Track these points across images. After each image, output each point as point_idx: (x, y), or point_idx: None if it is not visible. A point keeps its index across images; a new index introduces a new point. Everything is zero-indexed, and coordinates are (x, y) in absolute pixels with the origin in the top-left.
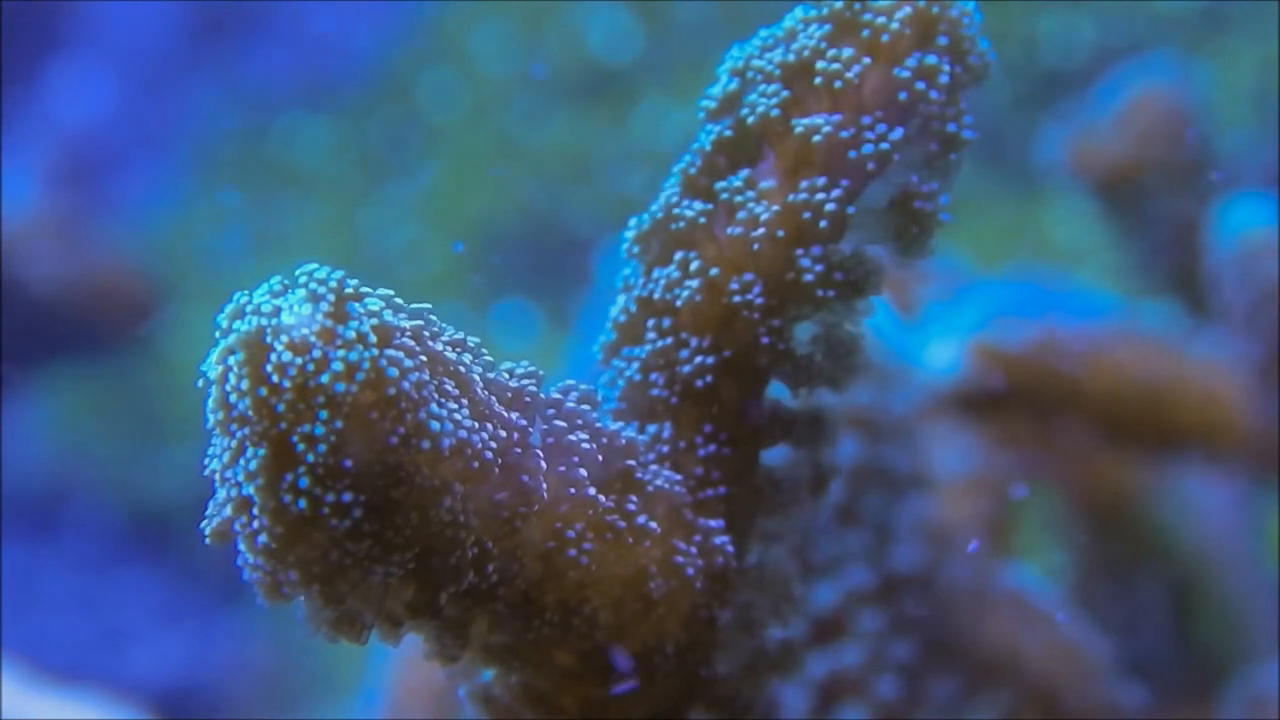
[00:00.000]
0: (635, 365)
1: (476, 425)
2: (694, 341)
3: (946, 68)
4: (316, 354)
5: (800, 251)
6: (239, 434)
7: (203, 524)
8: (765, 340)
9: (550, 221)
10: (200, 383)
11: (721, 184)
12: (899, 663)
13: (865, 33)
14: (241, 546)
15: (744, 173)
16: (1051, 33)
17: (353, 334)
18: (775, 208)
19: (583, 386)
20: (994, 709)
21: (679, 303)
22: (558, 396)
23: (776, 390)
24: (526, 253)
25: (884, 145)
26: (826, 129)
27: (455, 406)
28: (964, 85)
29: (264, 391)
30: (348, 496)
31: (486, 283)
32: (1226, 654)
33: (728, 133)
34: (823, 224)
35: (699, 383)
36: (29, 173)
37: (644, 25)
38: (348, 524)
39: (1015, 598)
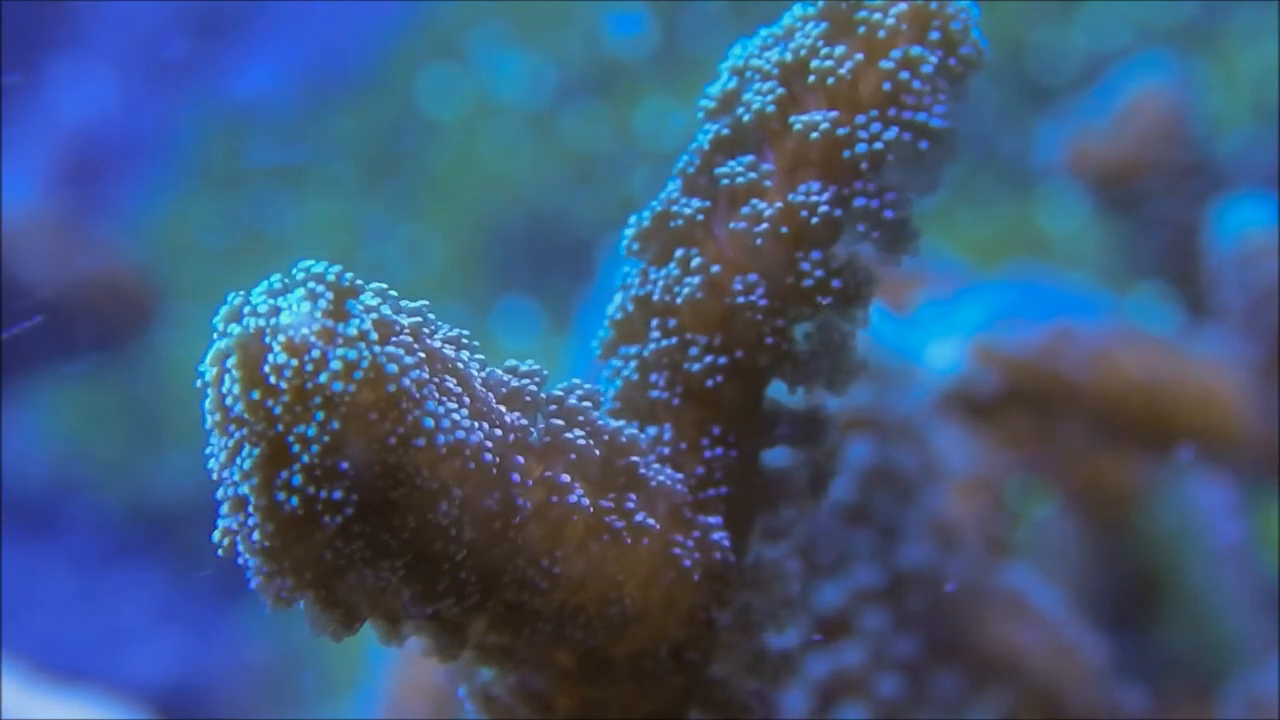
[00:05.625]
0: (633, 365)
1: (475, 425)
2: (703, 341)
3: (935, 59)
4: (315, 354)
5: (800, 255)
6: (236, 434)
7: (214, 534)
8: (770, 340)
9: (553, 220)
10: (199, 383)
11: (723, 170)
12: (900, 662)
13: (861, 29)
14: (239, 546)
15: (746, 159)
16: (1052, 34)
17: (354, 331)
18: (778, 204)
19: (586, 386)
20: (994, 709)
21: (679, 301)
22: (559, 394)
23: (776, 390)
24: (529, 251)
25: (878, 145)
26: (824, 126)
27: (454, 406)
28: (958, 81)
29: (258, 394)
30: (347, 497)
31: (488, 281)
32: (1224, 655)
33: (726, 131)
34: (819, 224)
35: (709, 383)
36: (29, 172)
37: (658, 22)
38: (343, 524)
39: (1015, 598)
